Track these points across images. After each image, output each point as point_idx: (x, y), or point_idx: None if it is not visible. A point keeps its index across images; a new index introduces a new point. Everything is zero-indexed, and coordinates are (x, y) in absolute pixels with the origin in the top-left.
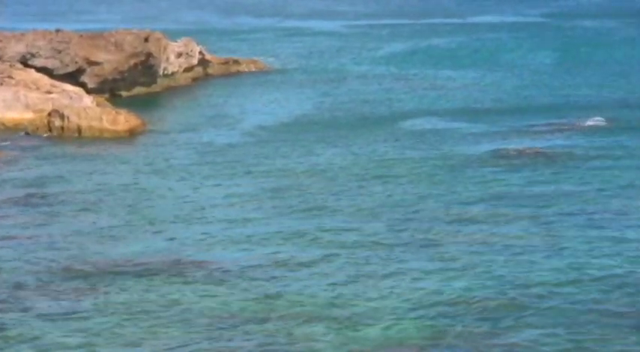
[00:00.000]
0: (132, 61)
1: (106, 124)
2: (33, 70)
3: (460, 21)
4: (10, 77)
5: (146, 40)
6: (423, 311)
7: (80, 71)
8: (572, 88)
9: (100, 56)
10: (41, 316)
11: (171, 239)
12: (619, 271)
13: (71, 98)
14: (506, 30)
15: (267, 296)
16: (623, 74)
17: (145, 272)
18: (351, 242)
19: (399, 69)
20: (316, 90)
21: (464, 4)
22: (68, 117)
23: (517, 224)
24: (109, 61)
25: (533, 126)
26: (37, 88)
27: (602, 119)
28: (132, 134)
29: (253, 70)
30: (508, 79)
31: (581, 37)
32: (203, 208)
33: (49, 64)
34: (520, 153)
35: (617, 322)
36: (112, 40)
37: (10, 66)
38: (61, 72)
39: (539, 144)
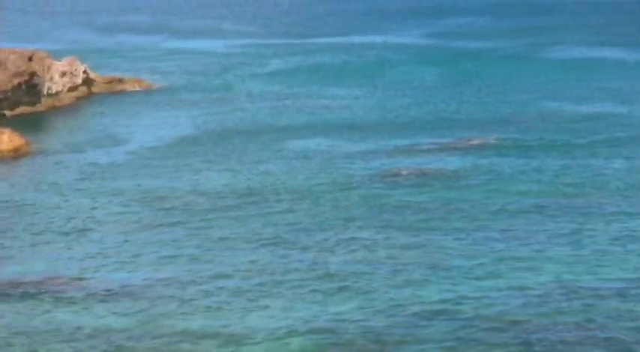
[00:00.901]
0: (15, 80)
1: None
2: None
3: (345, 40)
4: None
5: (30, 59)
6: (307, 331)
7: None
8: (457, 106)
9: None
10: None
11: (55, 259)
12: (501, 285)
13: None
14: (391, 49)
15: (151, 315)
16: (507, 93)
17: (28, 292)
18: (235, 261)
19: (285, 87)
20: (201, 109)
21: (348, 24)
22: None
23: (402, 244)
24: None
25: (419, 144)
26: None
27: (488, 137)
28: (16, 154)
29: (138, 88)
30: (394, 97)
31: (466, 56)
32: (87, 228)
33: None
34: (407, 173)
35: (499, 338)
36: None
37: None
38: None
39: (425, 163)
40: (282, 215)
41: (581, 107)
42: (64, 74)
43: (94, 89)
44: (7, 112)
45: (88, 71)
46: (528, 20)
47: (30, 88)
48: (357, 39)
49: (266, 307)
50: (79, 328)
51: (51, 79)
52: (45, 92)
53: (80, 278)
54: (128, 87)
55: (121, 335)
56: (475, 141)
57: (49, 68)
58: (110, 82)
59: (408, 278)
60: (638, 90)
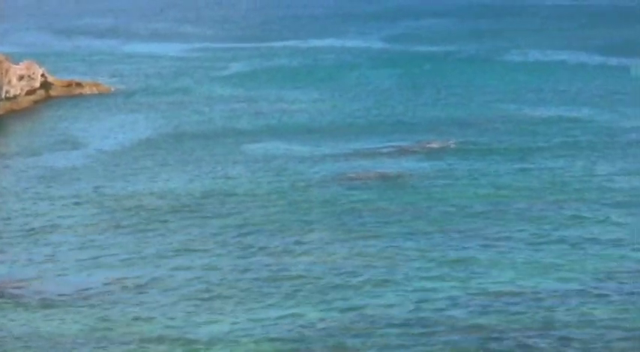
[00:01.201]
0: None
1: None
2: None
3: (303, 43)
4: None
5: None
6: (264, 334)
7: None
8: (416, 109)
9: None
10: None
11: (12, 262)
12: (460, 288)
13: None
14: (350, 52)
15: (107, 320)
16: (466, 96)
17: None
18: (192, 264)
19: (243, 90)
20: (159, 112)
21: (307, 28)
22: None
23: (360, 246)
24: None
25: (378, 148)
26: None
27: (447, 140)
28: None
29: (96, 92)
30: (353, 100)
31: (426, 59)
32: (45, 231)
33: None
34: (365, 176)
35: (459, 342)
36: None
37: None
38: None
39: (384, 166)
40: (240, 217)
41: (541, 110)
42: (21, 78)
43: (52, 93)
44: None
45: (46, 75)
46: (491, 23)
47: None
48: (316, 42)
49: (223, 311)
50: (34, 333)
51: (9, 82)
52: (3, 96)
53: (37, 282)
54: (86, 90)
55: (77, 339)
56: (434, 145)
57: (6, 72)
58: (68, 85)
59: (366, 281)
60: (599, 93)
